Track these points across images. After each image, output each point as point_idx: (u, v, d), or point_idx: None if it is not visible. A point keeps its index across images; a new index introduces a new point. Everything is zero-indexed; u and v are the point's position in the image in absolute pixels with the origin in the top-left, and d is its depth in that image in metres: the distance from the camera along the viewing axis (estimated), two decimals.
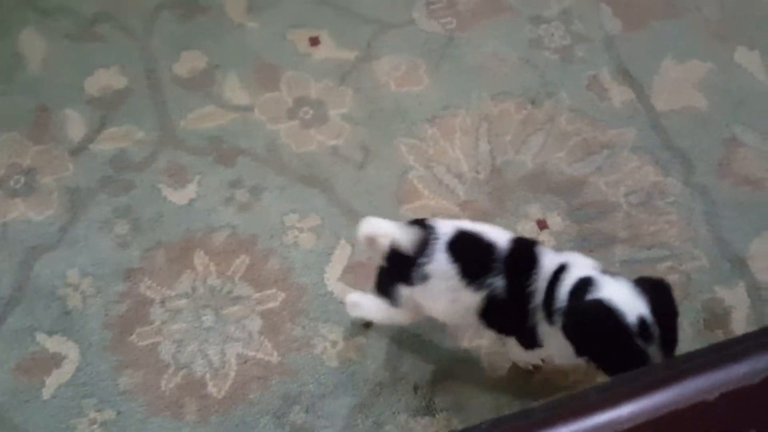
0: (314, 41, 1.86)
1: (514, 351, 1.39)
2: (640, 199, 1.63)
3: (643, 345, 1.08)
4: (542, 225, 1.60)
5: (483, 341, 1.45)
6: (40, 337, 1.49)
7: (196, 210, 1.62)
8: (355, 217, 1.60)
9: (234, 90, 1.78)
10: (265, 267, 1.55)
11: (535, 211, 1.62)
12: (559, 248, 1.54)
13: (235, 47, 1.85)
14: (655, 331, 1.08)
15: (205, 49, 1.84)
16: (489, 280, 1.19)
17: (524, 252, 1.21)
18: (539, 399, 1.38)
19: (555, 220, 1.60)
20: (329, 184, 1.65)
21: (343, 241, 1.57)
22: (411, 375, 1.42)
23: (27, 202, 1.64)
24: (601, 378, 1.41)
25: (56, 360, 1.47)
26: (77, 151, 1.70)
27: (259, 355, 1.46)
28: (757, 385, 0.64)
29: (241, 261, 1.55)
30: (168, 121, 1.73)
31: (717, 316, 1.48)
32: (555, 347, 1.22)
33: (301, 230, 1.59)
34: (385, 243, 1.22)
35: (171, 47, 1.84)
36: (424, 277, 1.21)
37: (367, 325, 1.46)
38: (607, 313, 1.10)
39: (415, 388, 1.41)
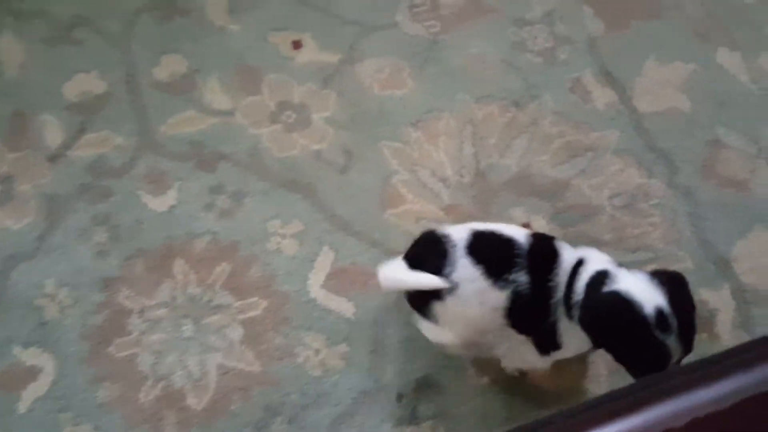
0: (297, 44, 1.81)
1: (509, 356, 1.35)
2: (624, 202, 1.59)
3: (661, 336, 1.06)
4: (527, 228, 1.55)
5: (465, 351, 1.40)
6: (16, 349, 1.42)
7: (177, 217, 1.56)
8: (338, 222, 1.55)
9: (215, 94, 1.72)
10: (247, 274, 1.49)
11: (519, 214, 1.58)
12: None
13: (216, 50, 1.79)
14: (673, 322, 1.07)
15: (185, 53, 1.78)
16: (513, 276, 1.17)
17: (545, 247, 1.20)
18: (526, 406, 1.35)
19: (539, 224, 1.56)
20: (312, 189, 1.59)
21: (326, 247, 1.52)
22: (395, 383, 1.37)
23: (4, 209, 1.58)
24: (591, 385, 1.38)
25: (32, 373, 1.40)
26: (55, 157, 1.64)
27: (241, 366, 1.41)
28: (727, 410, 0.60)
29: (222, 269, 1.50)
30: (148, 126, 1.67)
31: (702, 318, 1.44)
32: (573, 343, 1.20)
33: (283, 236, 1.53)
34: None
35: (151, 51, 1.77)
36: (453, 288, 1.18)
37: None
38: (624, 304, 1.08)
39: (399, 397, 1.36)
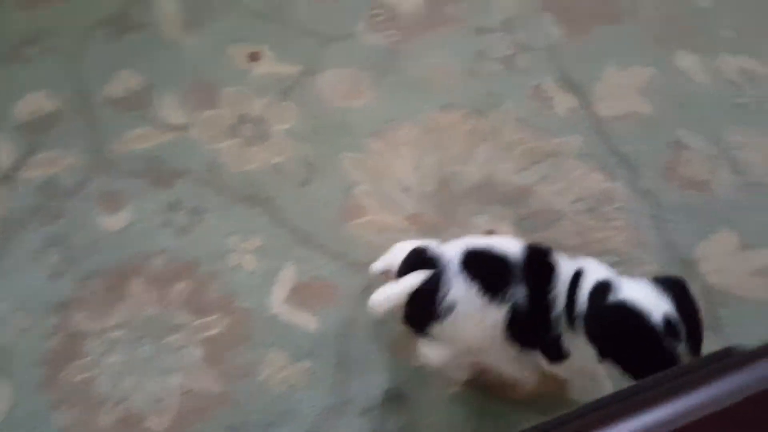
0: (254, 56, 1.81)
1: (496, 361, 1.34)
2: (588, 206, 1.61)
3: (671, 344, 1.05)
4: (492, 235, 1.57)
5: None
6: None
7: (132, 236, 1.54)
8: (299, 235, 1.55)
9: (171, 109, 1.72)
10: (207, 292, 1.48)
11: (483, 222, 1.59)
12: None
13: (172, 65, 1.79)
14: (682, 329, 1.06)
15: (139, 68, 1.77)
16: (510, 291, 1.16)
17: (541, 259, 1.19)
18: (494, 416, 1.35)
19: (504, 231, 1.58)
20: (272, 203, 1.59)
21: (287, 262, 1.51)
22: (360, 397, 1.36)
23: None
24: (563, 394, 1.38)
25: None
26: (5, 179, 1.62)
27: (201, 386, 1.39)
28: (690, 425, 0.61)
29: (181, 287, 1.49)
30: (101, 145, 1.66)
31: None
32: (579, 354, 1.18)
33: (243, 252, 1.53)
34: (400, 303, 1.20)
35: (103, 67, 1.77)
36: (450, 308, 1.17)
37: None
38: (632, 314, 1.07)
39: (365, 411, 1.35)
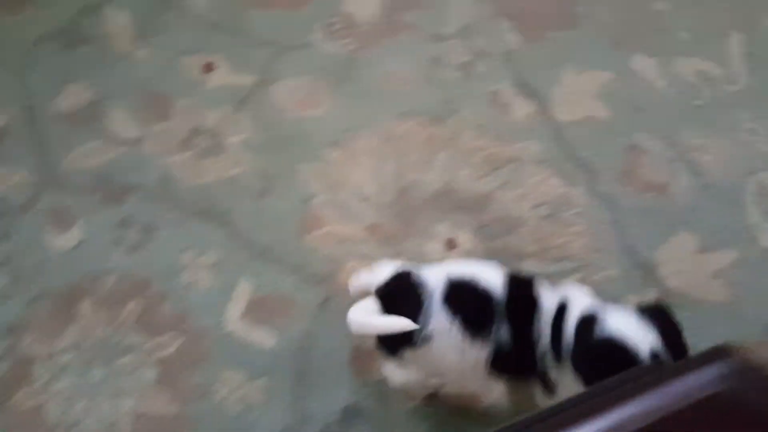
0: (208, 67, 1.79)
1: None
2: (547, 212, 1.62)
3: None
4: (451, 244, 1.56)
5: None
6: None
7: (83, 254, 1.51)
8: (256, 249, 1.53)
9: (122, 123, 1.68)
10: (160, 311, 1.45)
11: (443, 230, 1.58)
12: None
13: (123, 78, 1.75)
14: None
15: (89, 82, 1.74)
16: (492, 330, 1.14)
17: (523, 293, 1.17)
18: (453, 428, 1.34)
19: (464, 238, 1.57)
20: (228, 217, 1.57)
21: (244, 277, 1.49)
22: (319, 414, 1.34)
23: None
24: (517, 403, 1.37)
25: None
26: None
27: (155, 408, 1.36)
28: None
29: (133, 306, 1.45)
30: (49, 161, 1.62)
31: None
32: (566, 389, 1.16)
33: (198, 268, 1.50)
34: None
35: (52, 81, 1.73)
36: (427, 338, 1.15)
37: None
38: (620, 350, 1.06)
39: (324, 429, 1.33)
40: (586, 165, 1.69)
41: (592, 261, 1.55)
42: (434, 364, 1.20)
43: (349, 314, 1.19)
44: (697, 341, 1.45)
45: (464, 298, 1.16)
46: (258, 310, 1.45)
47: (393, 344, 1.20)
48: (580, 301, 1.16)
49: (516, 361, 1.16)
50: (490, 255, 1.55)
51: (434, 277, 1.18)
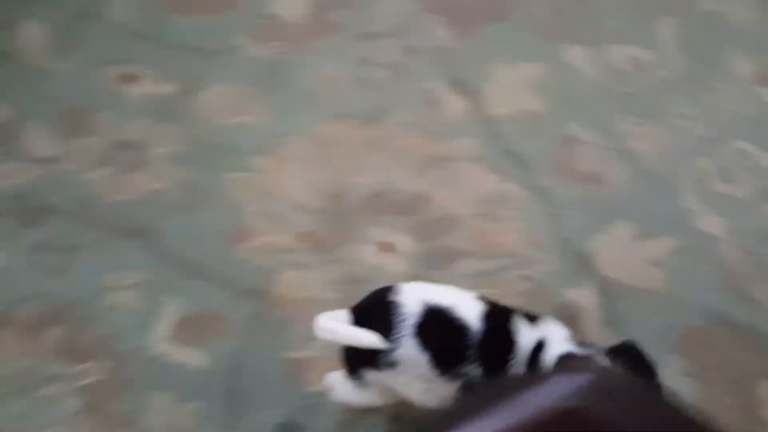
0: (129, 78, 1.73)
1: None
2: (484, 209, 1.60)
3: None
4: (387, 248, 1.53)
5: None
6: None
7: (0, 281, 1.44)
8: (184, 266, 1.47)
9: (39, 141, 1.61)
10: (84, 337, 1.39)
11: (379, 233, 1.55)
12: (410, 271, 1.50)
13: (40, 93, 1.69)
14: None
15: (4, 100, 1.66)
16: (464, 369, 1.11)
17: (499, 332, 1.13)
18: None
19: (400, 241, 1.54)
20: (153, 234, 1.51)
21: (171, 296, 1.43)
22: None
23: None
24: None
25: None
26: None
27: None
28: None
29: (55, 333, 1.39)
30: None
31: (569, 318, 1.45)
32: None
33: (122, 290, 1.44)
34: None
35: None
36: (393, 364, 1.11)
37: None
38: None
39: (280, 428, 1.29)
40: (521, 159, 1.68)
41: (529, 256, 1.54)
42: (394, 390, 1.16)
43: (317, 318, 1.14)
44: (636, 331, 1.45)
45: (438, 332, 1.12)
46: (187, 329, 1.40)
47: (354, 363, 1.16)
48: (558, 339, 1.13)
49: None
50: (427, 256, 1.53)
51: (412, 300, 1.13)
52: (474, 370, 1.11)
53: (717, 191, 1.67)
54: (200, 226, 1.53)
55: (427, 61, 1.82)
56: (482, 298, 1.18)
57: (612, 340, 1.39)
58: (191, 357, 1.37)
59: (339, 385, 1.24)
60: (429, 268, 1.51)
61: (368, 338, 1.10)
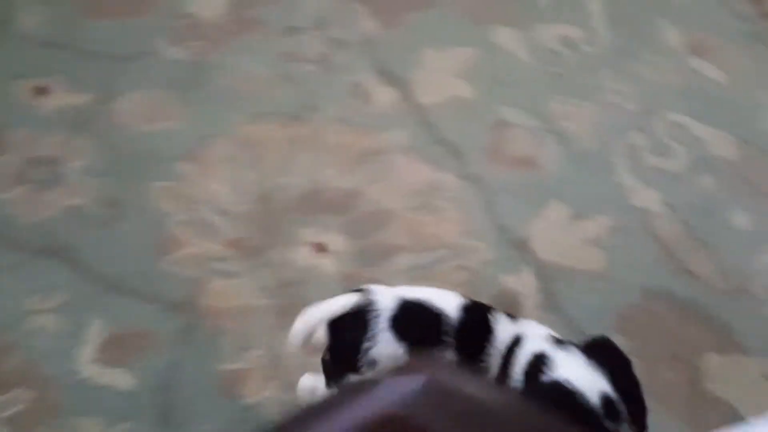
0: (42, 90, 1.67)
1: None
2: (418, 201, 1.59)
3: (612, 426, 1.01)
4: (320, 248, 1.52)
5: (266, 393, 1.34)
6: None
7: None
8: (108, 283, 1.44)
9: None
10: (5, 365, 1.34)
11: (311, 234, 1.54)
12: (344, 271, 1.49)
13: None
14: (622, 408, 1.03)
15: None
16: (440, 355, 1.10)
17: (477, 323, 1.13)
18: None
19: (333, 240, 1.53)
20: (73, 252, 1.47)
21: (96, 315, 1.39)
22: None
23: None
24: None
25: None
26: None
27: None
28: None
29: None
30: None
31: (508, 305, 1.46)
32: None
33: (44, 312, 1.39)
34: (321, 334, 1.11)
35: None
36: (372, 363, 1.09)
37: None
38: (568, 397, 1.03)
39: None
40: (453, 147, 1.68)
41: (466, 246, 1.54)
42: None
43: (295, 323, 1.13)
44: (574, 313, 1.47)
45: (413, 322, 1.12)
46: (114, 349, 1.36)
47: (336, 371, 1.15)
48: (535, 337, 1.13)
49: None
50: (361, 254, 1.51)
51: (385, 297, 1.13)
52: (450, 358, 1.11)
53: (651, 166, 1.69)
54: (123, 240, 1.49)
55: (353, 53, 1.80)
56: (464, 296, 1.18)
57: (552, 323, 1.41)
58: (120, 377, 1.34)
59: (312, 389, 1.23)
60: (364, 266, 1.50)
61: (345, 300, 1.10)
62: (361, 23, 1.86)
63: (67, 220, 1.51)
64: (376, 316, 1.11)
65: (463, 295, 1.17)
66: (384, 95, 1.74)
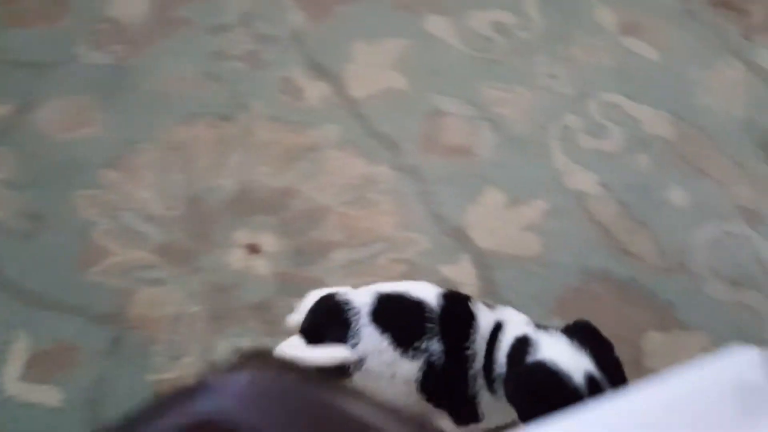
0: None
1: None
2: (352, 196, 1.59)
3: None
4: (254, 249, 1.51)
5: None
6: None
7: None
8: (30, 298, 1.41)
9: None
10: None
11: (244, 236, 1.53)
12: (280, 271, 1.48)
13: None
14: (605, 386, 1.05)
15: None
16: (425, 344, 1.11)
17: (459, 309, 1.15)
18: None
19: (267, 241, 1.52)
20: None
21: (18, 332, 1.37)
22: None
23: None
24: None
25: None
26: None
27: None
28: None
29: None
30: None
31: None
32: (495, 416, 1.16)
33: None
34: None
35: None
36: (359, 363, 1.10)
37: None
38: (552, 377, 1.05)
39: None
40: (387, 139, 1.68)
41: (402, 238, 1.55)
42: (367, 389, 1.14)
43: (276, 350, 1.13)
44: (515, 298, 1.48)
45: (394, 311, 1.13)
46: (40, 365, 1.34)
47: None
48: (515, 323, 1.15)
49: (447, 381, 1.14)
50: (296, 253, 1.51)
51: (361, 294, 1.15)
52: (435, 345, 1.12)
53: (587, 147, 1.72)
54: (46, 253, 1.46)
55: (282, 49, 1.80)
56: (439, 287, 1.20)
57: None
58: (47, 394, 1.32)
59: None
60: (300, 265, 1.49)
61: (335, 353, 1.10)
62: (289, 17, 1.85)
63: None
64: (356, 313, 1.12)
65: (439, 287, 1.19)
66: (315, 90, 1.74)
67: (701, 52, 1.94)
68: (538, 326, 1.14)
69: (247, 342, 1.39)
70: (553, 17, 1.93)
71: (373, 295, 1.15)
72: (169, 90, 1.71)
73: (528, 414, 1.10)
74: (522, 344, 1.11)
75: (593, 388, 1.06)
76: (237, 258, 1.49)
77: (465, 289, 1.49)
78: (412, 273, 1.50)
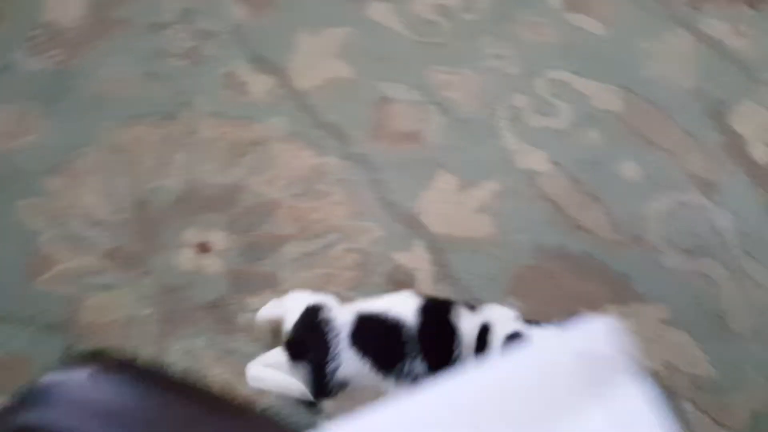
0: None
1: None
2: (302, 188, 1.61)
3: None
4: (204, 248, 1.52)
5: None
6: None
7: None
8: None
9: None
10: None
11: (193, 235, 1.54)
12: (232, 268, 1.50)
13: None
14: None
15: None
16: (407, 367, 1.12)
17: (437, 322, 1.15)
18: None
19: (217, 239, 1.54)
20: None
21: None
22: None
23: None
24: None
25: None
26: None
27: None
28: None
29: None
30: None
31: (402, 283, 1.50)
32: None
33: None
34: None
35: None
36: (342, 385, 1.11)
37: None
38: None
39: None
40: (335, 129, 1.70)
41: (354, 227, 1.57)
42: (354, 407, 1.16)
43: (247, 367, 1.15)
44: (471, 280, 1.51)
45: (372, 334, 1.14)
46: None
47: (315, 396, 1.15)
48: (503, 320, 1.15)
49: None
50: (248, 249, 1.53)
51: (343, 312, 1.15)
52: (418, 366, 1.13)
53: (536, 126, 1.75)
54: None
55: (223, 43, 1.81)
56: (420, 295, 1.20)
57: (448, 295, 1.46)
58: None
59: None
60: (252, 261, 1.51)
61: (296, 387, 1.11)
62: (229, 11, 1.86)
63: None
64: (336, 335, 1.13)
65: (419, 294, 1.19)
66: (259, 84, 1.75)
67: (648, 24, 1.99)
68: (528, 321, 1.15)
69: (202, 342, 1.41)
70: None
71: (354, 315, 1.15)
72: (110, 92, 1.71)
73: None
74: (514, 341, 1.11)
75: None
76: (187, 258, 1.51)
77: (419, 275, 1.53)
78: (366, 262, 1.52)
